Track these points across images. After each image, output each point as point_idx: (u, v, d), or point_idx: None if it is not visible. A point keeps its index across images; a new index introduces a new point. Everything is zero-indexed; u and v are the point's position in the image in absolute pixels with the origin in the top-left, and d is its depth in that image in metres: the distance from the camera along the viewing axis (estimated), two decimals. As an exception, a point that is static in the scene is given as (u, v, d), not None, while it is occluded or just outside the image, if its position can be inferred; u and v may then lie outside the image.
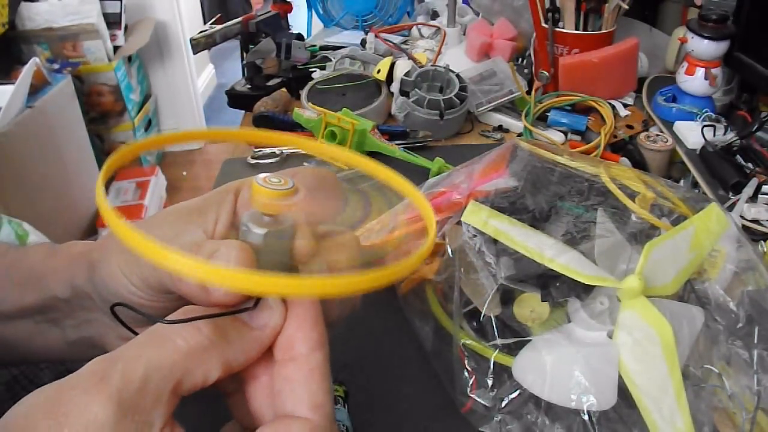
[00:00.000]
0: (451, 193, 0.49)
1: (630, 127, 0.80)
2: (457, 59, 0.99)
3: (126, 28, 2.24)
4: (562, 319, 0.42)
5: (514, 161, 0.51)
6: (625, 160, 0.74)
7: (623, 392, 0.37)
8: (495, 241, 0.42)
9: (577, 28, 0.85)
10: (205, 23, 2.58)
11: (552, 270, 0.39)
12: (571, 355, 0.38)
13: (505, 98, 0.88)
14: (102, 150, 2.20)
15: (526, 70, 0.96)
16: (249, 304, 0.25)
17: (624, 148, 0.77)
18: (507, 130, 0.87)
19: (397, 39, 1.08)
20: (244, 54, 1.04)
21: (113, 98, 2.19)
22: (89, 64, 2.09)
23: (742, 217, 0.60)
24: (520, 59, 1.00)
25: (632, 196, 0.45)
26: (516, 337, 0.41)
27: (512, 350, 0.41)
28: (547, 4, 0.85)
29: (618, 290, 0.38)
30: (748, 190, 0.62)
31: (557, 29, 0.86)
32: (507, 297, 0.43)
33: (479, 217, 0.42)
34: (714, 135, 0.73)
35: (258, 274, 0.20)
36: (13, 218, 0.52)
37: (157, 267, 0.27)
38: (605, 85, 0.85)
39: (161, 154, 2.64)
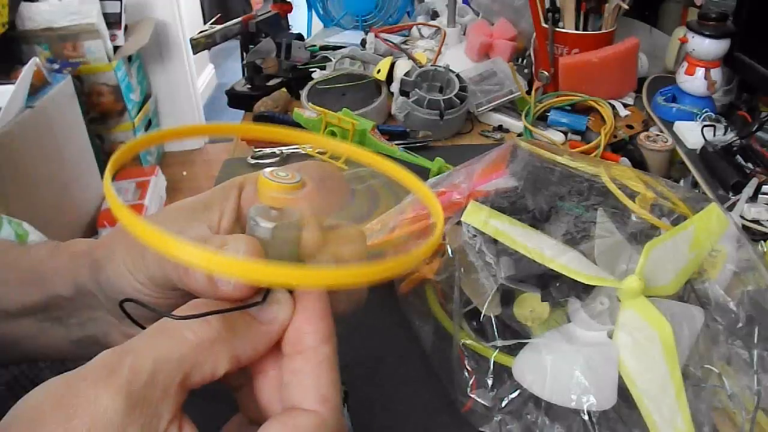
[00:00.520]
0: (451, 193, 0.49)
1: (630, 127, 0.80)
2: (457, 59, 0.99)
3: (126, 28, 2.23)
4: (562, 319, 0.42)
5: (514, 161, 0.51)
6: (625, 160, 0.74)
7: (623, 392, 0.37)
8: (495, 241, 0.42)
9: (577, 28, 0.86)
10: (205, 23, 2.58)
11: (552, 270, 0.39)
12: (571, 355, 0.38)
13: (505, 98, 0.88)
14: (102, 150, 2.20)
15: (526, 70, 0.96)
16: (257, 298, 0.25)
17: (624, 148, 0.77)
18: (507, 130, 0.87)
19: (397, 39, 1.08)
20: (244, 54, 1.05)
21: (113, 98, 2.19)
22: (89, 64, 2.09)
23: (742, 217, 0.60)
24: (520, 59, 1.00)
25: (632, 196, 0.45)
26: (516, 337, 0.41)
27: (512, 350, 0.41)
28: (547, 4, 0.85)
29: (618, 290, 0.38)
30: (748, 190, 0.62)
31: (557, 29, 0.86)
32: (507, 297, 0.43)
33: (479, 217, 0.42)
34: (714, 135, 0.73)
35: (270, 264, 0.20)
36: (13, 218, 0.52)
37: (163, 263, 0.27)
38: (605, 85, 0.85)
39: (161, 154, 2.64)
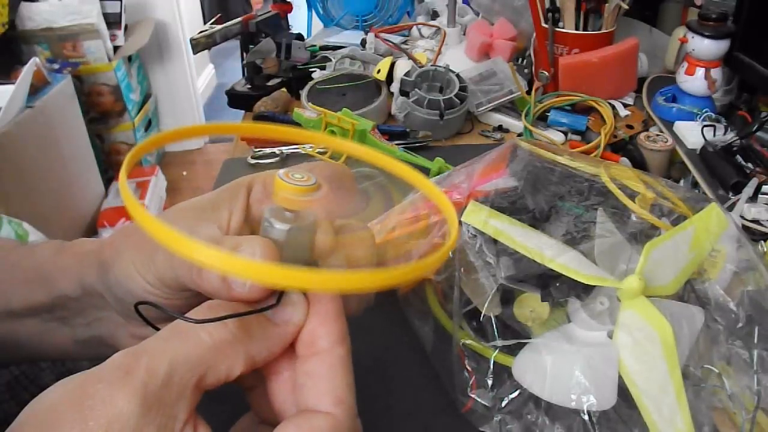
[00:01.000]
0: (451, 193, 0.49)
1: (630, 127, 0.80)
2: (457, 59, 0.99)
3: (126, 28, 2.24)
4: (562, 319, 0.42)
5: (514, 161, 0.51)
6: (625, 160, 0.74)
7: (623, 392, 0.37)
8: (495, 241, 0.42)
9: (577, 28, 0.85)
10: (205, 23, 2.58)
11: (552, 270, 0.39)
12: (571, 355, 0.38)
13: (505, 98, 0.87)
14: (102, 150, 2.20)
15: (526, 70, 0.95)
16: (271, 300, 0.25)
17: (624, 148, 0.77)
18: (507, 130, 0.87)
19: (397, 39, 1.08)
20: (244, 54, 1.05)
21: (113, 98, 2.19)
22: (89, 64, 2.09)
23: (742, 217, 0.60)
24: (520, 59, 1.00)
25: (632, 196, 0.45)
26: (516, 337, 0.41)
27: (512, 350, 0.41)
28: (547, 4, 0.85)
29: (618, 290, 0.38)
30: (748, 190, 0.62)
31: (557, 29, 0.86)
32: (507, 297, 0.43)
33: (479, 217, 0.42)
34: (714, 135, 0.73)
35: (288, 268, 0.20)
36: (13, 218, 0.52)
37: (173, 264, 0.27)
38: (605, 85, 0.85)
39: (161, 154, 2.64)
